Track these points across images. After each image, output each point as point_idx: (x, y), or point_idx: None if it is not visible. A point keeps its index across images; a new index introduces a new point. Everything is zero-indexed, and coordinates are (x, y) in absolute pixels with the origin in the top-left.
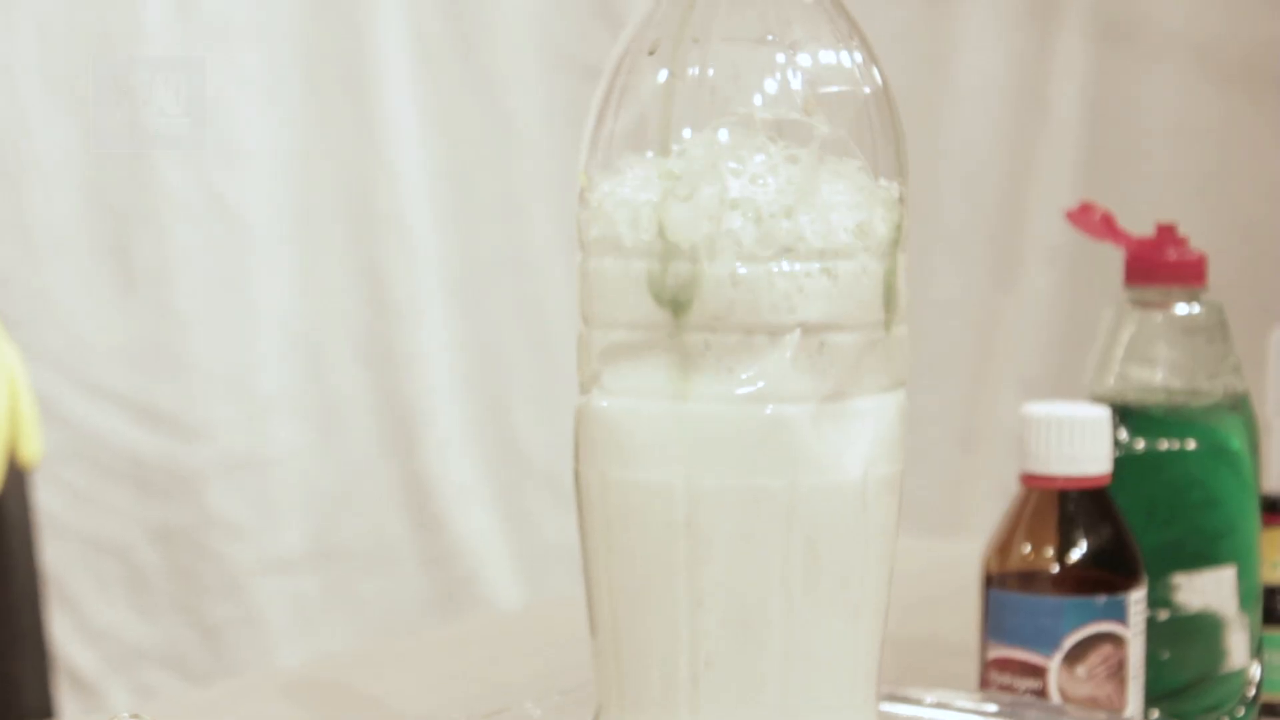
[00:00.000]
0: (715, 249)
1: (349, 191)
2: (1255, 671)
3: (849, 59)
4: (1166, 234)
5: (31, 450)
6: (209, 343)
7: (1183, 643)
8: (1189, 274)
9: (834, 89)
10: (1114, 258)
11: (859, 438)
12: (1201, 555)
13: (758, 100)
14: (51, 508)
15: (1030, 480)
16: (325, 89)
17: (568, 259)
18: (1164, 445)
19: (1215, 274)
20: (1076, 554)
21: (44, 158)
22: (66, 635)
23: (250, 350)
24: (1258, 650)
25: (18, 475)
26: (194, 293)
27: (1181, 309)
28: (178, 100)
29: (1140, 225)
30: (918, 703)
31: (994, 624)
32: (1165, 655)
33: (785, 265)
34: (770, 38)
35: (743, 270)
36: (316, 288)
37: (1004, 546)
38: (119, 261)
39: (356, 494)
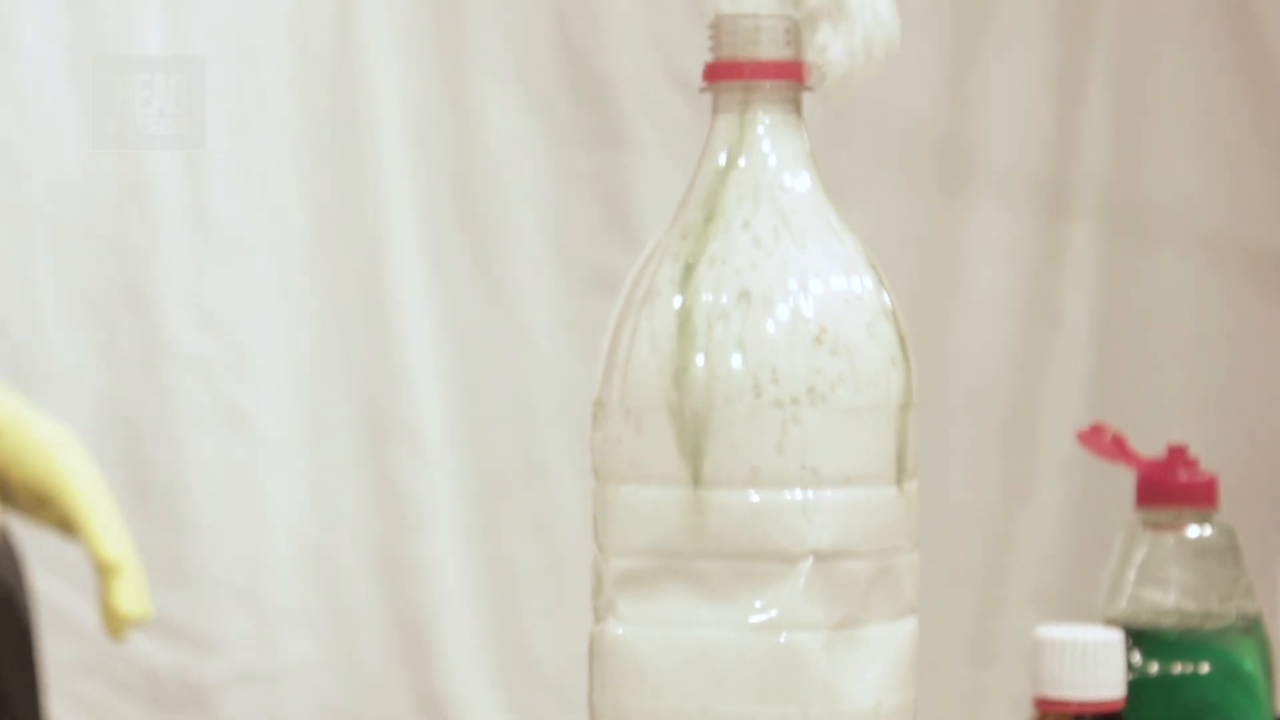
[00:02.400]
0: (731, 478)
1: (362, 402)
2: None
3: (860, 284)
4: (1177, 455)
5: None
6: (221, 553)
7: None
8: (1200, 496)
9: (844, 315)
10: (1126, 471)
11: (871, 665)
12: None
13: (770, 328)
14: None
15: (1044, 704)
16: (338, 298)
17: (581, 471)
18: (1178, 669)
19: (1225, 490)
20: None
21: (60, 370)
22: None
23: (262, 561)
24: None
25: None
26: (207, 503)
27: (1193, 531)
28: (191, 312)
29: (1151, 440)
30: None
31: None
32: None
33: (798, 493)
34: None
35: (756, 498)
36: (329, 498)
37: None
38: (133, 473)
39: (369, 707)
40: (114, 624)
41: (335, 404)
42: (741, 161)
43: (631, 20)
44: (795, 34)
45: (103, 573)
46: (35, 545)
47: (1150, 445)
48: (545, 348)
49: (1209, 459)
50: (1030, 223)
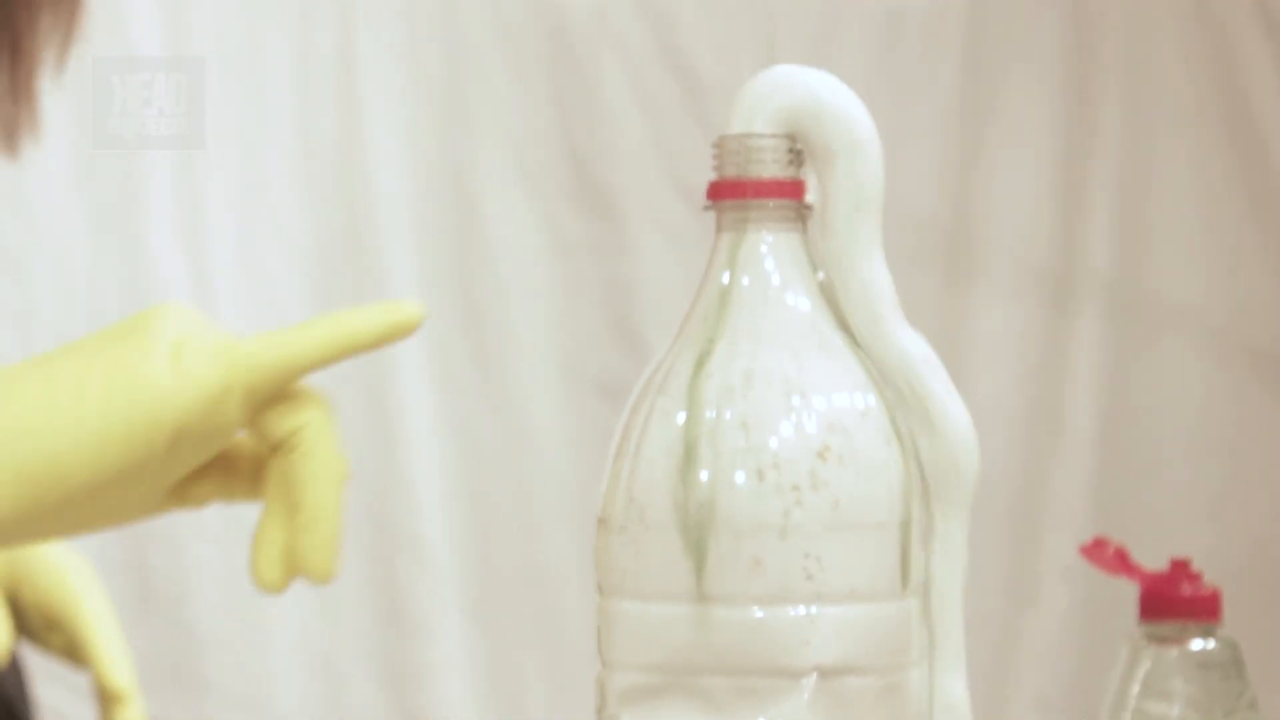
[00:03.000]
0: (734, 594)
1: (365, 508)
2: None
3: (863, 401)
4: (1180, 569)
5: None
6: (224, 661)
7: None
8: (1204, 610)
9: (848, 432)
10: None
11: None
12: None
13: (773, 444)
14: None
15: None
16: (341, 405)
17: (586, 579)
18: None
19: (1229, 596)
20: None
21: None
22: None
23: (266, 669)
24: None
25: None
26: (208, 609)
27: (1197, 644)
28: None
29: (1155, 544)
30: None
31: None
32: None
33: (802, 609)
34: (792, 396)
35: (760, 614)
36: (332, 605)
37: None
38: (134, 578)
39: None
40: None
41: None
42: (745, 280)
43: (636, 129)
44: (798, 154)
45: (107, 701)
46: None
47: (1155, 548)
48: (549, 454)
49: (1213, 563)
50: (1034, 321)
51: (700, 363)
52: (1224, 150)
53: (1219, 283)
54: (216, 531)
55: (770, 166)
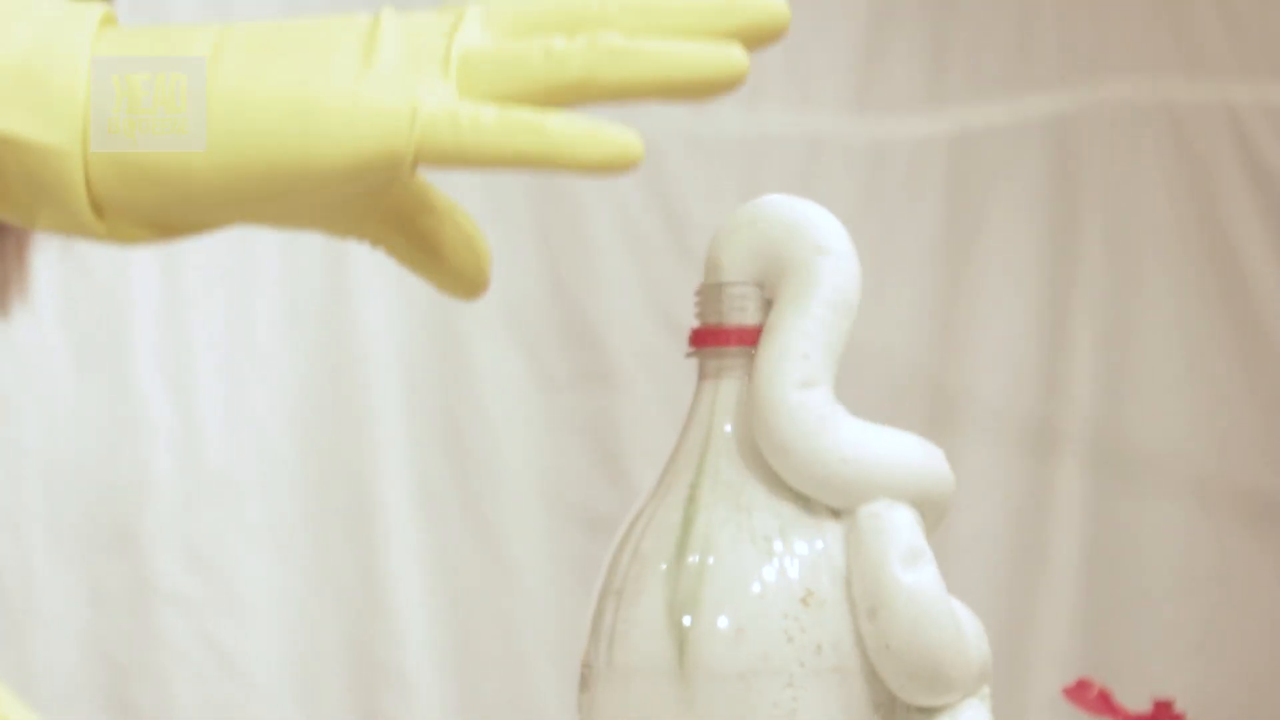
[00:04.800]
0: None
1: (350, 642)
2: None
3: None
4: (1163, 710)
5: None
6: None
7: None
8: None
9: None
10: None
11: None
12: None
13: (756, 589)
14: None
15: None
16: (327, 539)
17: (568, 713)
18: None
19: None
20: None
21: (46, 608)
22: None
23: None
24: None
25: None
26: None
27: None
28: (180, 552)
29: (1140, 682)
30: None
31: None
32: None
33: None
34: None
35: None
36: None
37: None
38: (118, 713)
39: None
40: None
41: (323, 644)
42: (727, 428)
43: (622, 265)
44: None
45: None
46: None
47: (1139, 687)
48: (533, 587)
49: (1198, 701)
50: (1017, 464)
51: (683, 509)
52: (1206, 289)
53: (1201, 422)
54: (200, 665)
55: (753, 314)
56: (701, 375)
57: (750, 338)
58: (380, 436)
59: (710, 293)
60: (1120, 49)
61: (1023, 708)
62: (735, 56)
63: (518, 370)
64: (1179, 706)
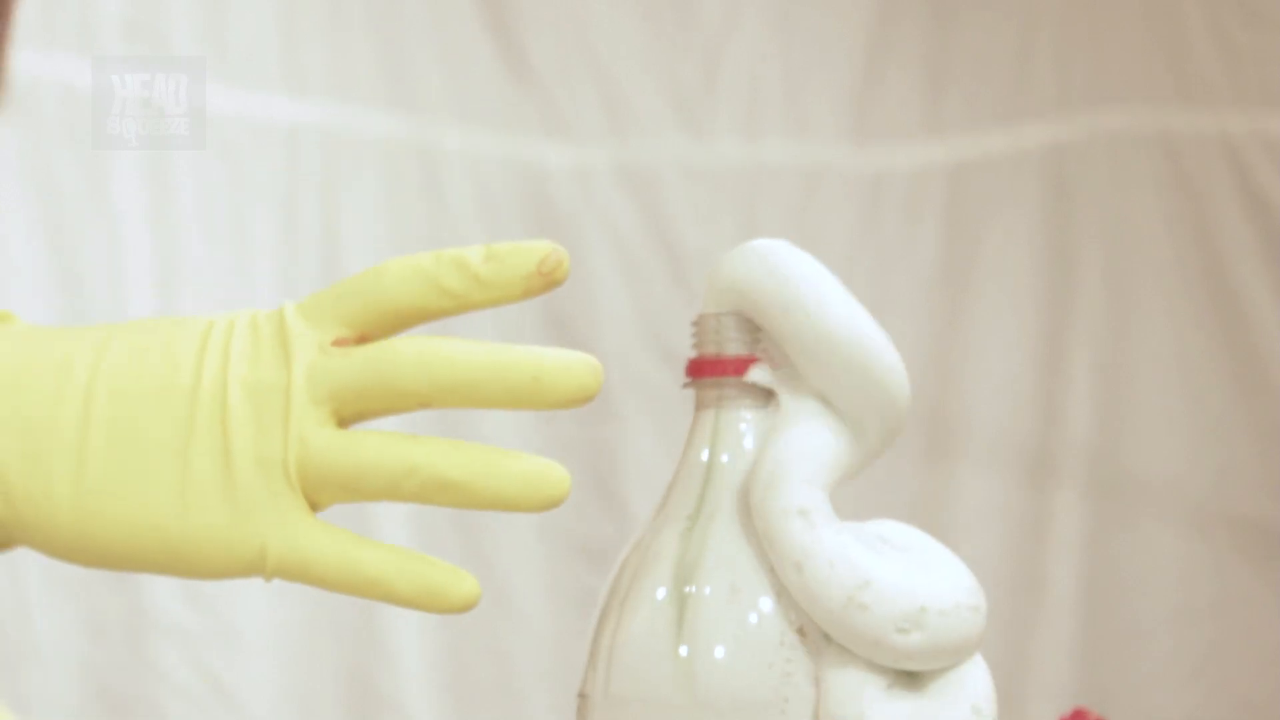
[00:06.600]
0: None
1: (346, 674)
2: None
3: None
4: None
5: None
6: None
7: None
8: None
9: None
10: None
11: None
12: None
13: (753, 619)
14: None
15: None
16: None
17: None
18: None
19: None
20: None
21: (43, 640)
22: None
23: None
24: None
25: None
26: None
27: None
28: (176, 584)
29: (1137, 712)
30: None
31: None
32: None
33: None
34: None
35: None
36: None
37: None
38: None
39: None
40: None
41: (320, 676)
42: (724, 458)
43: (619, 296)
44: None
45: None
46: None
47: (1137, 716)
48: (530, 617)
49: None
50: (1015, 492)
51: (680, 539)
52: (1203, 318)
53: (1199, 451)
54: (197, 697)
55: (747, 344)
56: (698, 405)
57: (745, 368)
58: None
59: (706, 324)
60: (1117, 79)
61: None
62: (556, 477)
63: None
64: None
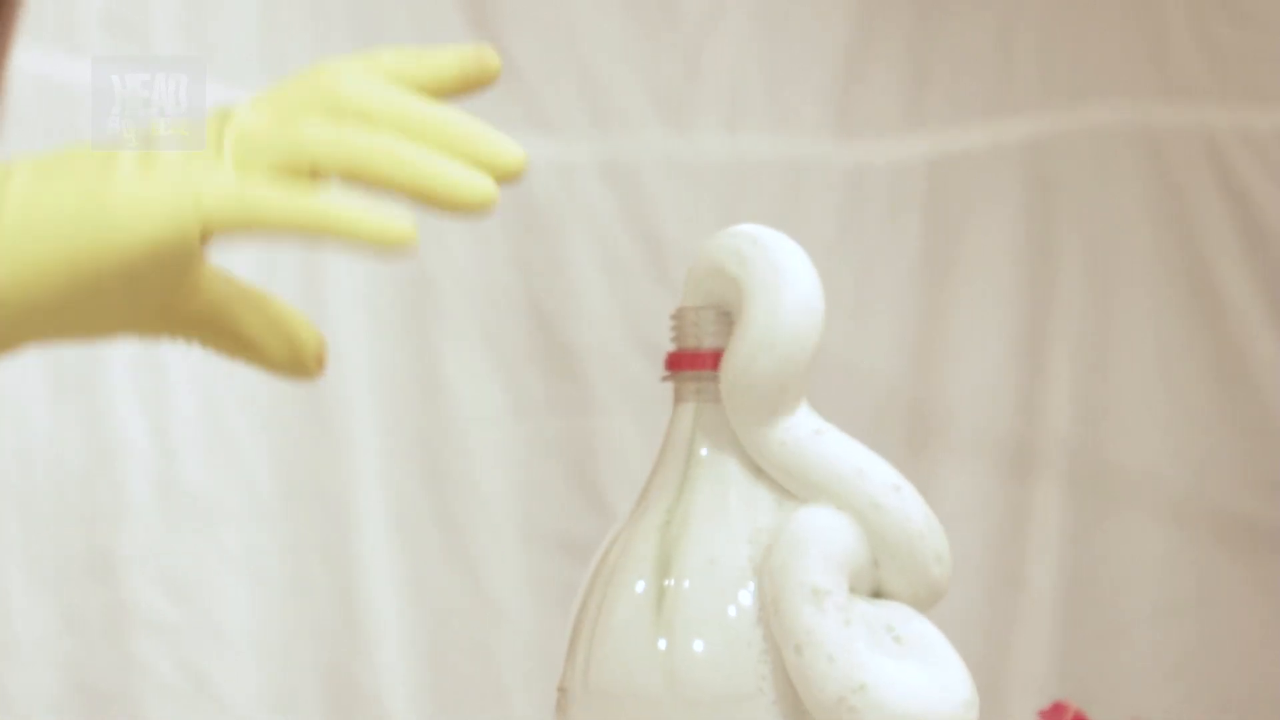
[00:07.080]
0: None
1: (328, 669)
2: None
3: None
4: None
5: None
6: None
7: None
8: None
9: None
10: None
11: None
12: None
13: (731, 612)
14: None
15: None
16: (305, 566)
17: None
18: None
19: None
20: None
21: (22, 636)
22: None
23: None
24: None
25: None
26: None
27: None
28: (158, 579)
29: (1118, 707)
30: None
31: None
32: None
33: None
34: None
35: None
36: None
37: None
38: None
39: None
40: None
41: (301, 672)
42: (703, 451)
43: (600, 291)
44: None
45: None
46: None
47: (1118, 710)
48: (511, 613)
49: None
50: (994, 486)
51: (660, 533)
52: (1184, 313)
53: (1180, 444)
54: (178, 693)
55: (725, 338)
56: (677, 399)
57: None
58: (358, 463)
59: (685, 317)
60: (1099, 73)
61: None
62: (485, 188)
63: (495, 396)
64: None
